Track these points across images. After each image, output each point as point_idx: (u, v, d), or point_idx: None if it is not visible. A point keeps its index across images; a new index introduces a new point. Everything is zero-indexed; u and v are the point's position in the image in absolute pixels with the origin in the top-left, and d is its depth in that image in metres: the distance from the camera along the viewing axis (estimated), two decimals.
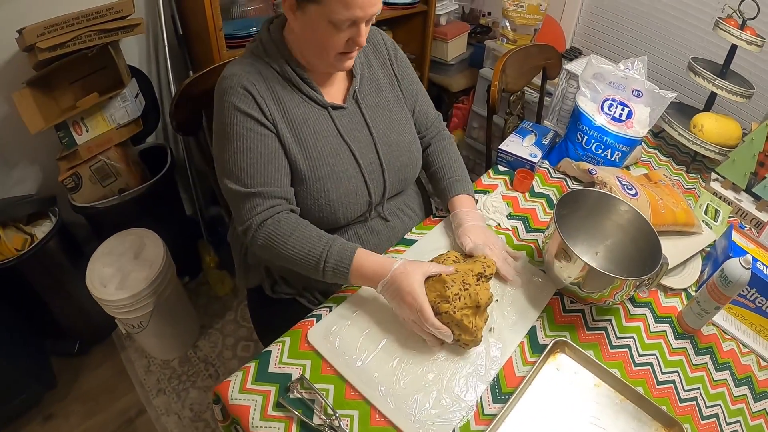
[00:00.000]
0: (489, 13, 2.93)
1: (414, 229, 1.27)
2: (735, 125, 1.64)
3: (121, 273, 1.70)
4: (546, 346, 1.00)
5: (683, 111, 1.73)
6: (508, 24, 2.50)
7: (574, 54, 2.44)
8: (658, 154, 1.74)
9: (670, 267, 1.09)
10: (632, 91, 1.41)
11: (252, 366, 0.94)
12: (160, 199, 2.00)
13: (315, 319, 1.03)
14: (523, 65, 1.72)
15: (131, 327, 1.77)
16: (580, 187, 1.16)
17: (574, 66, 1.61)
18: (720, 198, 1.60)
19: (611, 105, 1.41)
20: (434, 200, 1.46)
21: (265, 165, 1.05)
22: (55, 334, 1.95)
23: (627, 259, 1.14)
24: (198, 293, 2.27)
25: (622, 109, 1.41)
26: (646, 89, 1.40)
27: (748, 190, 1.60)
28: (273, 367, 0.94)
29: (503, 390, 0.92)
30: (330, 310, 1.04)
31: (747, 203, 1.58)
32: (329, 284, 1.13)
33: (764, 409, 1.02)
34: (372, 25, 1.13)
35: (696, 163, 1.74)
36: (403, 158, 1.22)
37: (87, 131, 1.77)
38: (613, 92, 1.42)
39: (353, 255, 1.00)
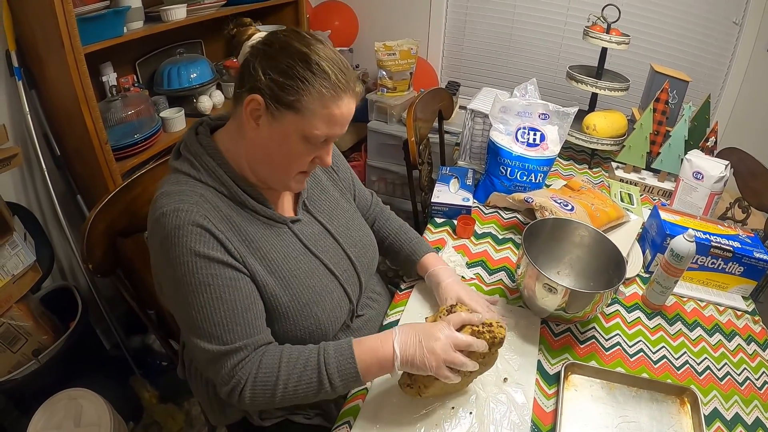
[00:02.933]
0: (357, 66, 3.10)
1: (388, 311, 1.27)
2: (620, 116, 1.89)
3: None
4: (556, 374, 1.10)
5: None
6: (385, 74, 2.66)
7: (455, 88, 2.65)
8: (560, 159, 1.95)
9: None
10: (539, 115, 1.59)
11: None
12: (81, 348, 1.82)
13: None
14: (425, 113, 1.86)
15: None
16: (537, 219, 1.28)
17: (475, 104, 1.77)
18: (626, 182, 1.82)
19: (524, 133, 1.58)
20: (390, 271, 1.50)
21: (243, 314, 0.92)
22: None
23: (589, 269, 1.28)
24: None
25: (535, 134, 1.58)
26: (551, 110, 1.58)
27: (647, 168, 1.83)
28: None
29: (543, 430, 1.00)
30: (350, 426, 0.98)
31: (650, 179, 1.82)
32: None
33: (738, 344, 1.24)
34: None
35: (594, 158, 1.96)
36: (369, 253, 1.21)
37: None
38: (522, 121, 1.59)
39: (350, 343, 0.94)
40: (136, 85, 2.03)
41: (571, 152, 2.03)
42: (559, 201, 1.41)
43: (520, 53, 2.75)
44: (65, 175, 1.86)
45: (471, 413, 1.01)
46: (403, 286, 1.34)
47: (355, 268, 1.15)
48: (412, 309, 1.26)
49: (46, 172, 1.79)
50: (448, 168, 1.74)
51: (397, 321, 1.23)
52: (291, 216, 1.09)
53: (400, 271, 1.39)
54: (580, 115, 1.92)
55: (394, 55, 2.62)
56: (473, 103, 1.79)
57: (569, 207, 1.40)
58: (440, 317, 1.00)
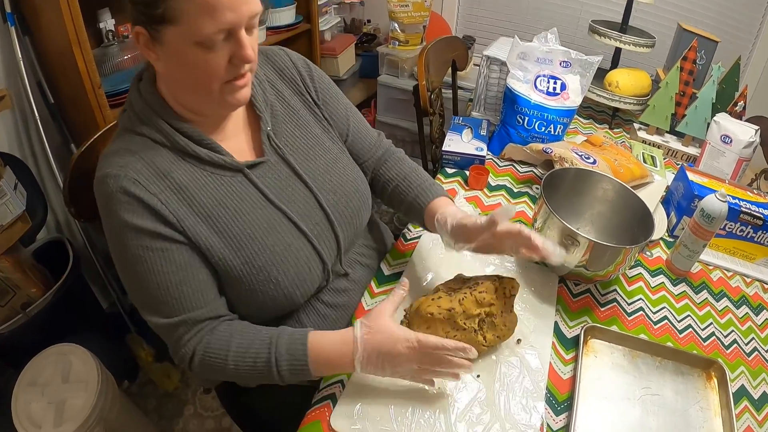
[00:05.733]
0: (369, 21, 2.92)
1: (391, 260, 1.12)
2: (644, 75, 1.71)
3: (54, 405, 1.40)
4: (575, 338, 0.96)
5: None
6: (396, 26, 2.49)
7: (470, 42, 2.47)
8: (579, 118, 1.78)
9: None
10: (560, 63, 1.42)
11: None
12: (73, 303, 1.71)
13: (329, 402, 0.83)
14: (436, 61, 1.69)
15: None
16: (558, 168, 1.14)
17: (492, 51, 1.61)
18: (649, 144, 1.66)
19: (543, 81, 1.42)
20: (392, 224, 1.35)
21: (179, 287, 0.80)
22: None
23: (611, 227, 1.14)
24: (144, 396, 1.95)
25: (555, 83, 1.41)
26: (573, 58, 1.41)
27: (671, 131, 1.67)
28: None
29: (559, 399, 0.86)
30: (342, 386, 0.86)
31: (674, 143, 1.66)
32: None
33: (766, 319, 1.10)
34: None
35: (616, 119, 1.80)
36: (353, 202, 0.99)
37: None
38: (542, 68, 1.42)
39: (306, 346, 0.80)
40: None
41: (591, 111, 1.86)
42: (580, 153, 1.25)
43: (539, 8, 2.54)
44: (59, 125, 1.72)
45: (478, 376, 0.87)
46: (408, 236, 1.18)
47: (329, 220, 0.94)
48: (417, 261, 1.11)
49: (39, 122, 1.65)
50: (461, 118, 1.57)
51: (400, 273, 1.08)
52: (249, 160, 0.89)
53: (407, 220, 1.21)
54: (602, 73, 1.75)
55: (406, 6, 2.45)
56: (490, 49, 1.62)
57: (591, 160, 1.24)
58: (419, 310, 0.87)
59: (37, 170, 1.81)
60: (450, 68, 1.85)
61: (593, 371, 0.91)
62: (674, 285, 1.14)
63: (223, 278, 0.85)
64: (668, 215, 1.31)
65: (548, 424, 0.82)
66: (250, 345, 0.81)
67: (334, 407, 0.82)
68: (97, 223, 1.05)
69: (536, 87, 1.41)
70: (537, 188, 1.35)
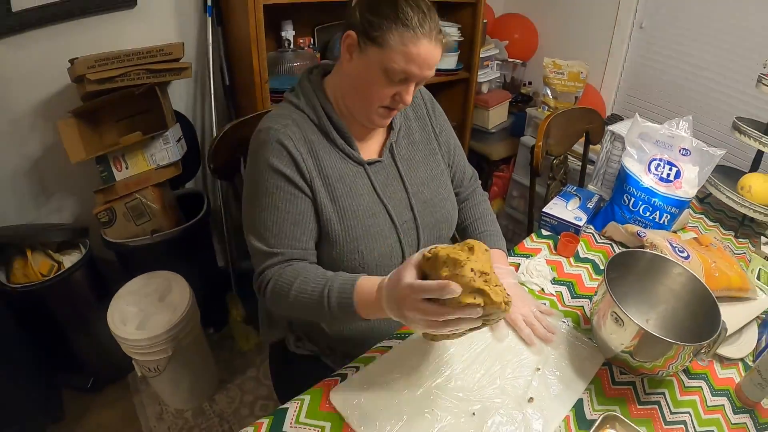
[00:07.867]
0: (530, 83, 2.88)
1: None
2: None
3: (144, 313, 1.64)
4: (593, 421, 0.87)
5: (729, 174, 1.61)
6: (549, 91, 2.45)
7: (614, 120, 2.35)
8: (705, 219, 1.61)
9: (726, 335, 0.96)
10: (679, 150, 1.32)
11: (265, 423, 0.85)
12: (192, 246, 1.93)
13: (339, 378, 0.93)
14: (566, 128, 1.65)
15: (147, 370, 1.68)
16: (631, 249, 1.05)
17: (618, 127, 1.53)
18: None
19: (658, 165, 1.32)
20: None
21: (291, 227, 0.98)
22: (70, 367, 1.86)
23: (680, 327, 1.02)
24: (221, 346, 2.15)
25: (670, 169, 1.31)
26: (694, 147, 1.30)
27: None
28: (288, 426, 0.84)
29: None
30: (357, 371, 0.94)
31: None
32: (352, 347, 1.05)
33: None
34: None
35: (744, 228, 1.60)
36: (437, 214, 1.13)
37: (126, 168, 1.75)
38: (660, 151, 1.33)
39: (355, 283, 0.87)
40: (310, 46, 2.07)
41: (722, 215, 1.66)
42: (675, 245, 1.14)
43: (694, 99, 2.29)
44: (228, 103, 2.01)
45: (474, 414, 0.84)
46: None
47: (416, 222, 1.09)
48: None
49: (213, 97, 1.94)
50: (575, 188, 1.52)
51: None
52: (372, 158, 1.08)
53: None
54: (737, 176, 1.56)
55: (561, 74, 2.41)
56: (617, 125, 1.54)
57: (685, 254, 1.13)
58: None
59: (202, 134, 2.09)
60: (584, 140, 1.78)
61: None
62: (735, 413, 0.97)
63: (323, 236, 1.02)
64: (759, 338, 1.14)
65: None
66: (311, 279, 0.92)
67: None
68: (235, 181, 1.28)
69: (650, 170, 1.31)
70: None
